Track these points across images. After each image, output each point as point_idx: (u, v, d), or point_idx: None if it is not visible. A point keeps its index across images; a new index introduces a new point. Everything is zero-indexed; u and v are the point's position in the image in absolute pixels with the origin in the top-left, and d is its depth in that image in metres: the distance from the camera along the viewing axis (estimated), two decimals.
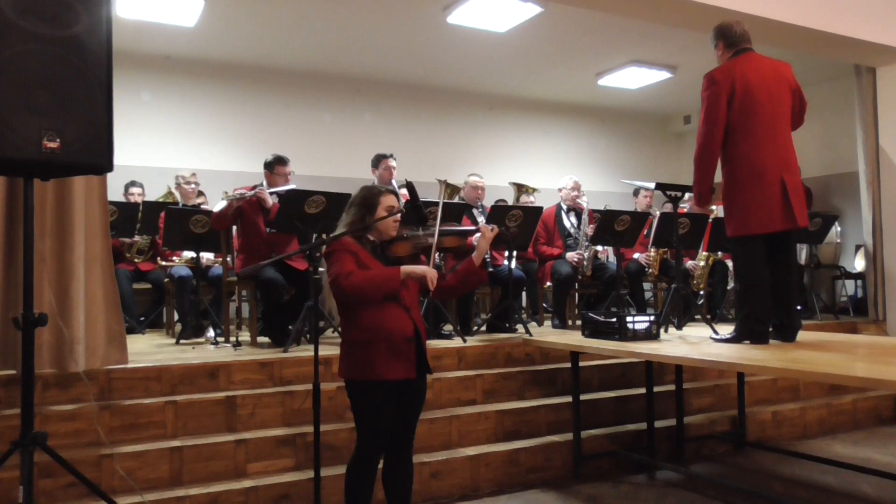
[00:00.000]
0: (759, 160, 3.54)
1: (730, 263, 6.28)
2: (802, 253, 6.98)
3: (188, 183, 5.99)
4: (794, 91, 3.68)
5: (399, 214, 2.74)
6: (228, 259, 5.09)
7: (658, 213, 6.04)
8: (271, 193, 4.77)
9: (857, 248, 7.59)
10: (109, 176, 3.13)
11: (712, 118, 3.59)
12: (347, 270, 2.54)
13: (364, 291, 2.53)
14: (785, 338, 3.67)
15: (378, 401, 2.60)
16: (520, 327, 5.12)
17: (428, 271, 2.60)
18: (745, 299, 3.66)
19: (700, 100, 3.70)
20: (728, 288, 6.32)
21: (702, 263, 6.26)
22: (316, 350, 2.75)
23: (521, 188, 7.16)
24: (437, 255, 4.71)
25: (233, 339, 4.69)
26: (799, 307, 4.03)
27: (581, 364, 4.12)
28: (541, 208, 5.55)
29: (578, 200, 5.95)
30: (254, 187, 4.84)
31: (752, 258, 3.61)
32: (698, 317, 5.88)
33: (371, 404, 2.61)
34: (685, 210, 6.55)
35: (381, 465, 2.75)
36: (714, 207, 6.80)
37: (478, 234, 2.87)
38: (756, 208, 3.53)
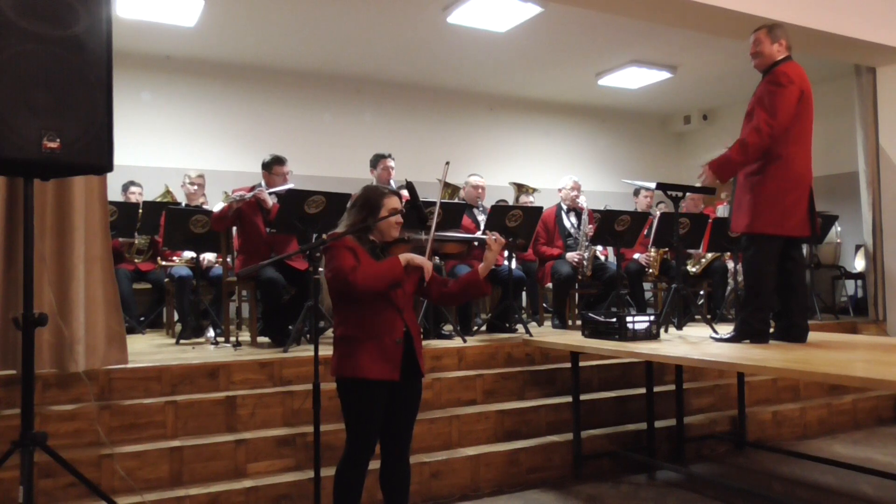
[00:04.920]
0: (800, 165, 3.64)
1: (730, 264, 6.30)
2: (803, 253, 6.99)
3: (193, 183, 5.99)
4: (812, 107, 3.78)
5: (401, 217, 2.74)
6: (228, 259, 5.10)
7: (658, 213, 6.04)
8: (270, 194, 4.77)
9: (857, 248, 7.59)
10: (109, 176, 3.13)
11: (787, 112, 3.56)
12: (350, 265, 2.53)
13: (372, 284, 2.52)
14: (795, 338, 3.69)
15: (365, 399, 2.58)
16: (520, 327, 5.12)
17: (426, 262, 2.60)
18: (752, 297, 3.67)
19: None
20: (728, 288, 6.32)
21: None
22: (316, 350, 2.75)
23: (521, 188, 7.16)
24: (436, 257, 4.73)
25: (233, 339, 4.69)
26: None
27: (581, 364, 4.12)
28: (541, 208, 5.55)
29: (577, 200, 5.95)
30: (253, 188, 4.84)
31: (768, 258, 3.66)
32: (698, 317, 5.88)
33: (358, 403, 2.60)
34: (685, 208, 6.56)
35: (378, 467, 2.75)
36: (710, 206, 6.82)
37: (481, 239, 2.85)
38: (793, 212, 3.62)
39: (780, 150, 3.61)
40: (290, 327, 4.55)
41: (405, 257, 2.58)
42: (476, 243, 2.88)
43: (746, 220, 3.68)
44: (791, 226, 3.63)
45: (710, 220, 5.95)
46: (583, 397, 4.17)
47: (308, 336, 4.59)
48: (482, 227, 5.37)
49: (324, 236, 2.65)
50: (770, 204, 3.62)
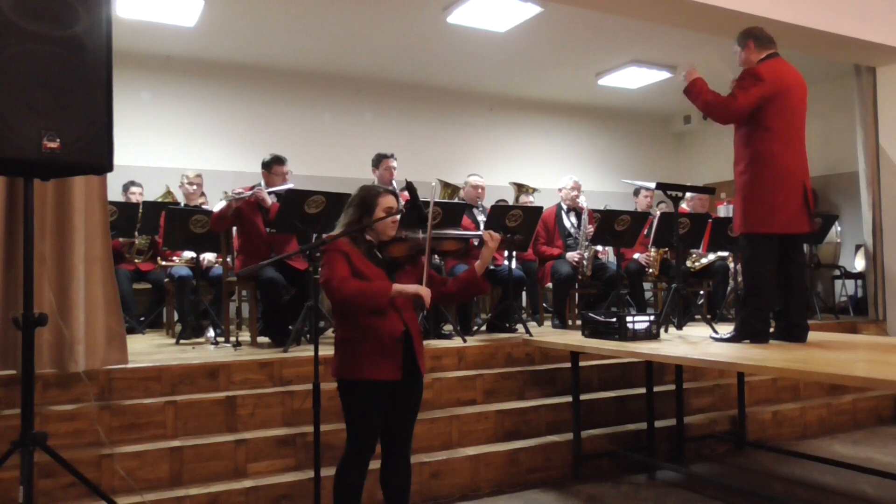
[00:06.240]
0: (787, 163, 3.62)
1: (730, 264, 6.30)
2: None
3: (192, 184, 5.99)
4: (805, 103, 3.79)
5: (397, 215, 2.73)
6: (228, 259, 5.10)
7: (658, 213, 6.04)
8: (270, 193, 4.77)
9: (857, 248, 7.59)
10: (109, 176, 3.13)
11: (747, 105, 3.59)
12: (339, 276, 2.52)
13: (352, 303, 2.52)
14: (796, 338, 3.68)
15: (366, 401, 2.59)
16: (520, 327, 5.12)
17: (421, 290, 2.57)
18: (751, 297, 3.67)
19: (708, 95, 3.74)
20: (728, 288, 6.32)
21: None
22: (316, 350, 2.75)
23: (521, 188, 7.16)
24: (435, 256, 4.72)
25: (233, 339, 4.69)
26: None
27: (581, 364, 4.12)
28: (541, 208, 5.55)
29: (577, 200, 5.95)
30: (252, 188, 4.84)
31: (764, 257, 3.66)
32: (698, 317, 5.89)
33: (359, 404, 2.60)
34: (688, 210, 6.56)
35: (378, 467, 2.75)
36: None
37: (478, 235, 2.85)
38: (782, 209, 3.60)
39: (762, 148, 3.63)
40: (290, 327, 4.55)
41: (397, 288, 2.54)
42: (476, 241, 2.87)
43: (739, 221, 3.73)
44: (781, 223, 3.61)
45: (710, 220, 5.96)
46: (583, 397, 4.17)
47: (308, 336, 4.59)
48: (482, 227, 5.37)
49: (323, 237, 2.64)
50: (757, 203, 3.63)
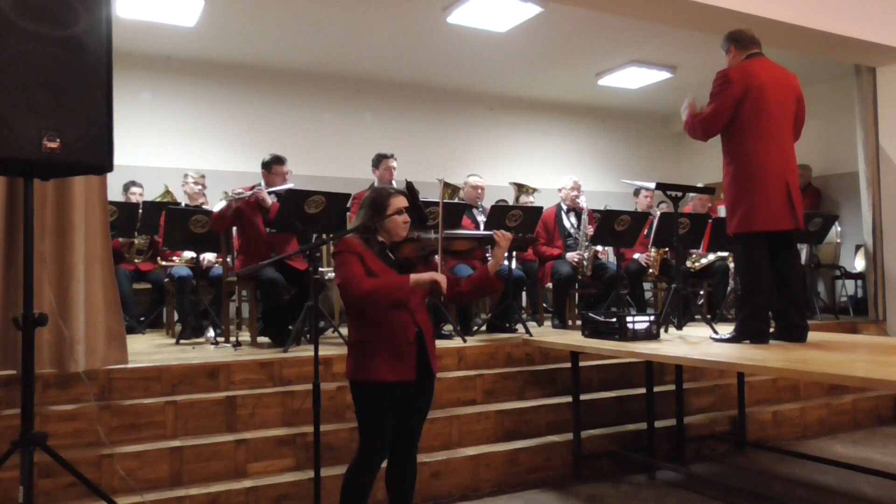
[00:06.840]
0: (765, 160, 3.61)
1: (730, 264, 6.30)
2: (802, 253, 6.98)
3: (197, 183, 5.99)
4: (798, 100, 3.78)
5: (407, 216, 2.73)
6: (228, 259, 5.10)
7: (658, 213, 6.04)
8: (270, 193, 4.77)
9: (857, 248, 7.59)
10: (109, 176, 3.13)
11: (719, 114, 3.65)
12: (357, 275, 2.53)
13: (373, 299, 2.52)
14: (795, 338, 3.67)
15: (379, 402, 2.59)
16: (520, 327, 5.12)
17: (436, 276, 2.58)
18: (747, 298, 3.67)
19: (708, 96, 3.75)
20: (728, 289, 6.32)
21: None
22: (316, 350, 2.75)
23: (521, 188, 7.17)
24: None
25: (233, 339, 4.69)
26: None
27: (581, 364, 4.12)
28: (541, 208, 5.56)
29: (577, 200, 5.95)
30: (252, 187, 4.84)
31: (755, 256, 3.64)
32: (698, 317, 5.89)
33: (373, 405, 2.60)
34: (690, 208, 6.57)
35: (383, 465, 2.75)
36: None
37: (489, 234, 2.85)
38: (762, 206, 3.58)
39: (738, 147, 3.64)
40: (290, 327, 4.55)
41: (414, 278, 2.55)
42: (485, 240, 2.88)
43: (728, 223, 3.74)
44: (763, 220, 3.59)
45: (710, 220, 5.96)
46: (583, 397, 4.17)
47: (308, 336, 4.59)
48: (482, 227, 5.38)
49: (324, 237, 2.64)
50: (737, 203, 3.65)
